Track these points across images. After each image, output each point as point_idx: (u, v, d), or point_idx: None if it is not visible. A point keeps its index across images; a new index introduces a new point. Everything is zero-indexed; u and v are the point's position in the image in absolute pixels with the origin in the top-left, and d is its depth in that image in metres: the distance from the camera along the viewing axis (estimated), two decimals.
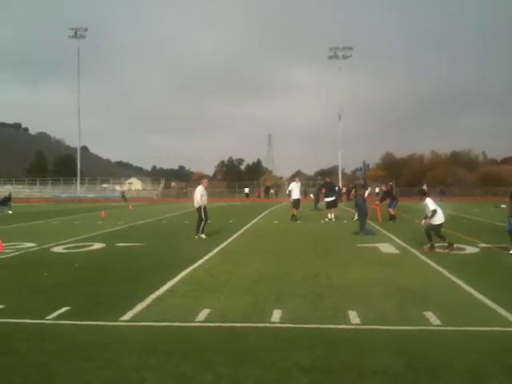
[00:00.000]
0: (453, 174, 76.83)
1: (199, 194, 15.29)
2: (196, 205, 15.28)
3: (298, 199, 22.14)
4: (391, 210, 21.43)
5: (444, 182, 69.65)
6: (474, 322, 5.78)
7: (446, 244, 11.73)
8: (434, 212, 11.66)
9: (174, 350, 4.79)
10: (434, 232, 11.84)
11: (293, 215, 21.66)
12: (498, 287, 7.67)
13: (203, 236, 14.94)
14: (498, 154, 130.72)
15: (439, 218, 11.75)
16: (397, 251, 11.90)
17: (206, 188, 15.59)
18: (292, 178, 24.45)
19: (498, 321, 5.83)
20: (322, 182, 25.59)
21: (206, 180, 17.03)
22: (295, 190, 22.16)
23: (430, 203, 11.84)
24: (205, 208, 15.28)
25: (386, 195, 22.68)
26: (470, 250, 12.03)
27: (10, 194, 34.66)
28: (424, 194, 12.28)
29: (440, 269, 9.32)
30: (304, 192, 25.46)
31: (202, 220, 15.10)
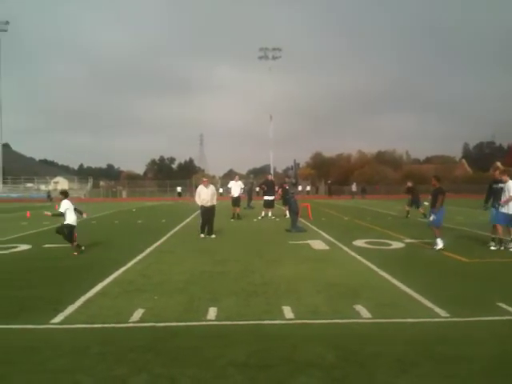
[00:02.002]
0: (378, 173, 79.99)
1: (197, 194, 15.11)
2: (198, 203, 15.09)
3: (238, 197, 22.21)
4: (407, 207, 22.42)
5: (370, 181, 72.40)
6: (402, 313, 6.08)
7: None
8: None
9: (107, 352, 4.70)
10: None
11: (233, 214, 21.71)
12: (423, 280, 8.09)
13: (213, 235, 14.77)
14: (420, 154, 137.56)
15: None
16: (327, 247, 12.25)
17: (205, 187, 15.04)
18: (231, 177, 24.28)
19: (424, 312, 6.17)
20: (263, 180, 25.55)
21: (205, 180, 16.21)
22: (234, 187, 22.20)
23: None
24: (201, 207, 14.90)
25: (410, 191, 22.86)
26: (396, 245, 12.60)
27: None
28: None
29: (368, 263, 9.70)
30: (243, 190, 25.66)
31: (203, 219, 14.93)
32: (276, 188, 22.53)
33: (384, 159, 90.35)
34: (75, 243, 11.60)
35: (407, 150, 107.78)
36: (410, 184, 23.40)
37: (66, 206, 11.81)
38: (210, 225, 14.94)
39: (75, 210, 11.99)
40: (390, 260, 10.20)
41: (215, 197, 15.14)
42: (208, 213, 14.82)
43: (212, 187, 15.33)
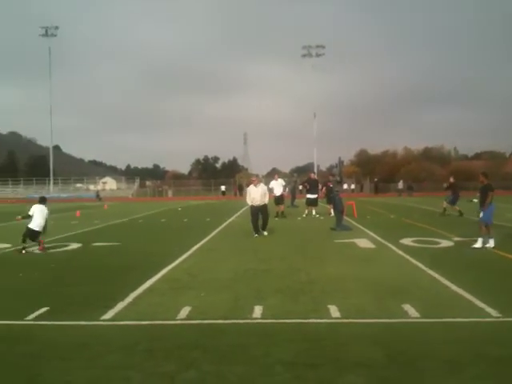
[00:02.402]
0: (425, 170, 78.09)
1: (248, 193, 15.11)
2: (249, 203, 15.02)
3: (281, 195, 22.17)
4: (445, 204, 21.85)
5: (417, 178, 70.79)
6: (452, 313, 5.91)
7: None
8: None
9: (156, 348, 4.78)
10: None
11: (277, 212, 21.69)
12: (474, 279, 7.85)
13: (265, 233, 14.78)
14: (469, 150, 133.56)
15: None
16: (373, 246, 12.06)
17: (255, 186, 14.86)
18: (272, 176, 24.23)
19: (474, 312, 5.98)
20: (306, 179, 25.43)
21: (255, 179, 16.02)
22: (276, 186, 22.17)
23: None
24: (251, 207, 14.80)
25: (451, 188, 22.23)
26: (445, 243, 12.27)
27: None
28: None
29: (416, 262, 9.48)
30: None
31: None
32: (320, 186, 22.33)
33: (431, 156, 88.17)
34: (41, 246, 12.12)
35: (455, 146, 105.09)
36: (452, 180, 22.62)
37: (34, 210, 12.28)
38: (263, 222, 14.81)
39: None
40: (438, 259, 9.94)
41: (267, 196, 14.91)
42: (259, 212, 14.65)
43: (262, 186, 15.19)
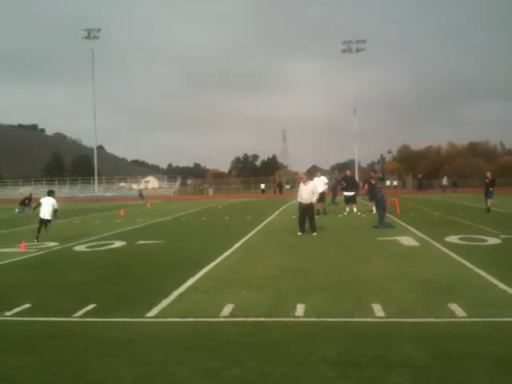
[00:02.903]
0: (470, 166, 75.93)
1: (299, 191, 14.69)
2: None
3: (323, 193, 22.00)
4: (489, 202, 21.20)
5: (461, 174, 68.92)
6: (500, 312, 5.72)
7: None
8: None
9: (200, 345, 4.83)
10: None
11: (318, 210, 21.55)
12: None
13: (314, 234, 14.09)
14: None
15: None
16: (417, 244, 11.83)
17: (305, 183, 14.48)
18: (313, 173, 24.04)
19: None
20: (342, 176, 25.23)
21: (303, 176, 15.51)
22: (318, 184, 22.01)
23: None
24: (299, 204, 14.47)
25: (490, 185, 21.35)
26: (492, 241, 11.90)
27: (30, 195, 35.19)
28: None
29: (463, 260, 9.23)
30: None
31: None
32: (361, 184, 22.04)
33: (476, 151, 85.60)
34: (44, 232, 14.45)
35: (501, 141, 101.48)
36: (488, 175, 21.72)
37: (41, 201, 14.71)
38: (310, 223, 14.32)
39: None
40: (486, 257, 9.65)
41: (314, 195, 14.47)
42: (303, 211, 14.31)
43: (311, 184, 14.80)
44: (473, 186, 62.59)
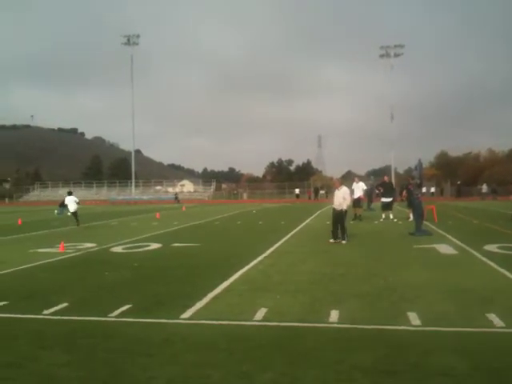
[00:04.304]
0: (511, 173, 73.81)
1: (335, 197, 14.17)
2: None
3: (358, 198, 21.77)
4: None
5: (502, 181, 67.03)
6: None
7: None
8: None
9: (234, 348, 4.86)
10: None
11: (355, 215, 21.36)
12: None
13: (343, 241, 13.48)
14: None
15: None
16: (455, 252, 11.58)
17: (338, 189, 14.10)
18: (352, 179, 23.82)
19: None
20: (379, 182, 24.94)
21: (337, 181, 15.21)
22: (356, 189, 21.82)
23: None
24: (332, 210, 14.10)
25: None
26: None
27: None
28: None
29: (502, 270, 8.98)
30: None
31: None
32: (398, 190, 21.71)
33: None
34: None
35: None
36: None
37: (66, 200, 21.06)
38: (340, 229, 13.67)
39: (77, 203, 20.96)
40: None
41: (346, 201, 13.92)
42: (335, 217, 13.77)
43: (344, 189, 14.17)
44: None
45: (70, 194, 21.53)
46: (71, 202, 20.62)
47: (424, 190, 54.03)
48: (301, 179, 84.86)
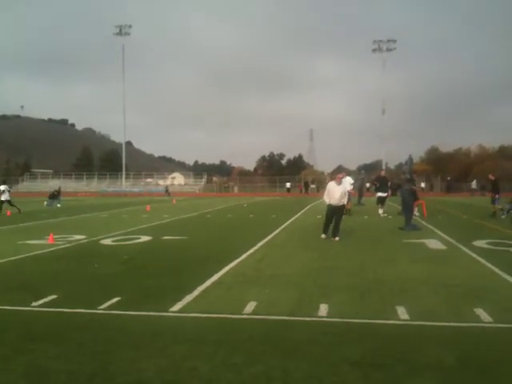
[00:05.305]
0: (501, 169, 74.39)
1: (327, 191, 13.50)
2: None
3: (348, 193, 21.76)
4: (496, 206, 20.56)
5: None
6: None
7: None
8: None
9: (223, 341, 4.86)
10: None
11: (346, 209, 21.33)
12: None
13: (336, 238, 12.98)
14: None
15: None
16: (444, 247, 11.66)
17: (338, 184, 13.38)
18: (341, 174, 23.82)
19: None
20: (376, 176, 24.97)
21: (340, 175, 14.18)
22: (343, 184, 21.78)
23: None
24: (328, 206, 13.34)
25: (494, 186, 21.04)
26: None
27: (59, 189, 35.86)
28: None
29: (490, 266, 9.06)
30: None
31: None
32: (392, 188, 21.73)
33: (507, 154, 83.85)
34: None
35: None
36: (491, 177, 21.18)
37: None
38: (335, 226, 13.23)
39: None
40: None
41: (346, 195, 13.69)
42: (334, 213, 13.19)
43: (344, 184, 13.80)
44: (504, 190, 61.35)
45: (3, 182, 24.89)
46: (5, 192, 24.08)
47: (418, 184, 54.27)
48: (292, 173, 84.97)
